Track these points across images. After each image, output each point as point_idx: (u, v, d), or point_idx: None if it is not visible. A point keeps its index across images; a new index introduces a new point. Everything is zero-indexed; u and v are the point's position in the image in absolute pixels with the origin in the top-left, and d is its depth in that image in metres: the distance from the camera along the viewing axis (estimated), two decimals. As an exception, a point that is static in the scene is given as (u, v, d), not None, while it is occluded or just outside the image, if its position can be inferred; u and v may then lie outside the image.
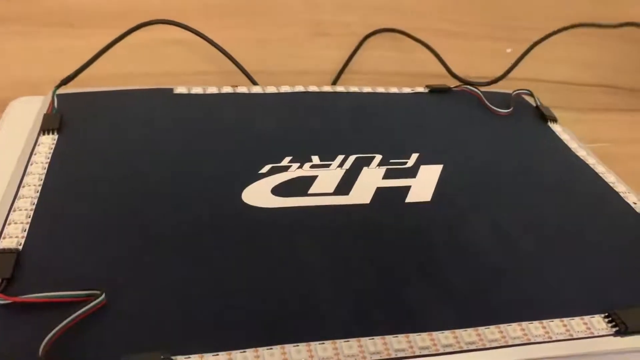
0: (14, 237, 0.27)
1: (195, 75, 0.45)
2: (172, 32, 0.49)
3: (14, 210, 0.29)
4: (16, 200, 0.30)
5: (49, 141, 0.35)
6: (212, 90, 0.42)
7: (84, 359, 0.22)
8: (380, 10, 0.56)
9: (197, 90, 0.42)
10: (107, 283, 0.25)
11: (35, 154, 0.33)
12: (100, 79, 0.42)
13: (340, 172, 0.34)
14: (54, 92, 0.37)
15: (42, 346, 0.22)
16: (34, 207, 0.29)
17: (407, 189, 0.34)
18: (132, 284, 0.26)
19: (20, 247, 0.27)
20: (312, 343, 0.24)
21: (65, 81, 0.38)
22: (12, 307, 0.24)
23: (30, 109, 0.38)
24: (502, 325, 0.25)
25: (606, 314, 0.27)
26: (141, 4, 0.46)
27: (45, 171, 0.32)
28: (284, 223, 0.30)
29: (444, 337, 0.25)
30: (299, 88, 0.43)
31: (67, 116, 0.36)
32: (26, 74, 0.47)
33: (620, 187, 0.36)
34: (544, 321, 0.26)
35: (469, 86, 0.45)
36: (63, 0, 0.52)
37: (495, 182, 0.36)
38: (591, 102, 0.60)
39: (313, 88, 0.43)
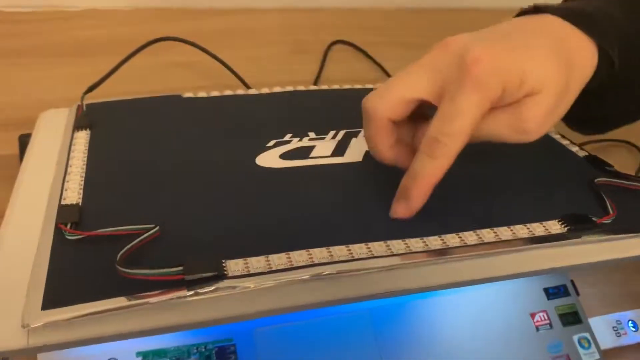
0: (73, 198, 0.33)
1: (197, 90, 0.51)
2: (173, 54, 0.56)
3: (67, 181, 0.35)
4: (67, 175, 0.35)
5: (84, 135, 0.40)
6: (215, 93, 0.49)
7: (153, 266, 0.28)
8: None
9: (202, 94, 0.48)
10: (155, 222, 0.31)
11: (74, 145, 0.39)
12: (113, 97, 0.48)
13: (334, 142, 0.41)
14: (82, 98, 0.43)
15: (118, 256, 0.27)
16: (83, 177, 0.35)
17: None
18: (176, 220, 0.32)
19: (80, 203, 0.33)
20: (331, 247, 0.30)
21: (91, 88, 0.44)
22: (83, 241, 0.30)
23: (60, 117, 0.44)
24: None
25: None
26: (145, 33, 0.53)
27: (86, 154, 0.38)
28: (292, 174, 0.37)
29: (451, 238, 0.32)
30: (289, 88, 0.50)
31: (94, 118, 0.43)
32: (45, 96, 0.53)
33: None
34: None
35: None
36: (71, 33, 0.59)
37: None
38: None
39: (301, 87, 0.51)
